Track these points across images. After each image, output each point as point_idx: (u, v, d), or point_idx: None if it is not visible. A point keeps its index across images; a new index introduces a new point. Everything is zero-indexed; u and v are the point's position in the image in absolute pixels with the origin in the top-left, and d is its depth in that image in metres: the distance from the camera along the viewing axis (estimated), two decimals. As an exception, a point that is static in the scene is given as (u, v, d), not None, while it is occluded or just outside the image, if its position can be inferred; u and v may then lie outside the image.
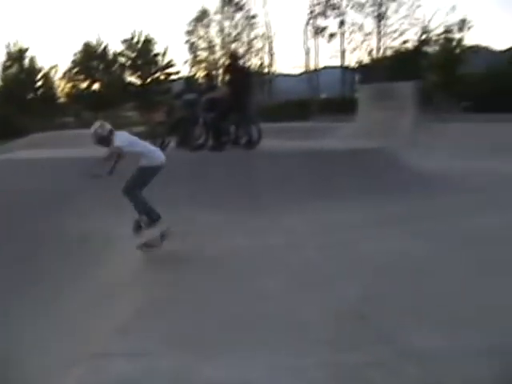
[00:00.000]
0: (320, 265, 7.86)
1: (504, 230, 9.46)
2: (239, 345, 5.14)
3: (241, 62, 20.57)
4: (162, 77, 67.21)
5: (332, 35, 59.60)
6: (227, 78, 14.46)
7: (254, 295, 6.54)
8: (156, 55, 66.71)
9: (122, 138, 8.23)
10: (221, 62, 59.73)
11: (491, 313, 5.72)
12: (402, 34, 57.81)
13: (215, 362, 4.78)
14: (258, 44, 63.23)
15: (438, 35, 57.18)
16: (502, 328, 5.33)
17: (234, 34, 63.31)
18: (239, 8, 62.61)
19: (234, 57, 15.88)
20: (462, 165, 17.80)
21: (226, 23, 63.59)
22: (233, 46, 62.48)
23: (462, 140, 23.26)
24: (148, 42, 66.10)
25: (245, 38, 63.32)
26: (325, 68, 66.59)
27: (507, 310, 5.78)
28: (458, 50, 56.57)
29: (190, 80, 22.96)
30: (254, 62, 62.72)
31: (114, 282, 7.76)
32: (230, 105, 13.88)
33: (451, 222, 10.28)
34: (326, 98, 60.88)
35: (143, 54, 65.83)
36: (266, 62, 62.93)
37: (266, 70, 62.94)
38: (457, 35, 56.39)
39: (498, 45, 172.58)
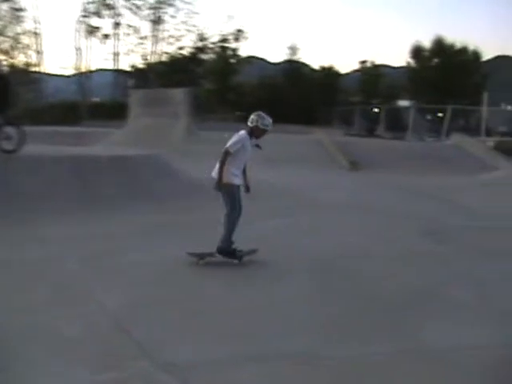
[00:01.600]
0: (82, 278, 7.55)
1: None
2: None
3: None
4: None
5: (106, 36, 58.63)
6: None
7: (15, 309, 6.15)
8: None
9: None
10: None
11: (269, 325, 5.90)
12: (179, 39, 58.54)
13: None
14: (25, 40, 59.82)
15: (214, 43, 58.73)
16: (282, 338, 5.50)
17: (-2, 26, 59.30)
18: (6, -1, 58.78)
19: None
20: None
21: (-10, 14, 59.42)
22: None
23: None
24: None
25: (11, 33, 59.47)
26: (98, 70, 65.30)
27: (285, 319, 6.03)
28: (233, 60, 58.65)
29: None
30: (20, 59, 59.28)
31: None
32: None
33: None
34: (99, 101, 59.61)
35: None
36: (34, 60, 59.83)
37: (33, 69, 59.77)
38: (233, 45, 58.40)
39: (273, 57, 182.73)
